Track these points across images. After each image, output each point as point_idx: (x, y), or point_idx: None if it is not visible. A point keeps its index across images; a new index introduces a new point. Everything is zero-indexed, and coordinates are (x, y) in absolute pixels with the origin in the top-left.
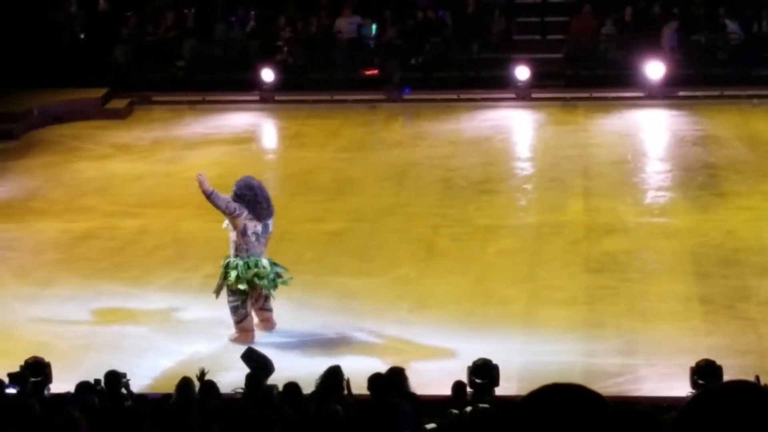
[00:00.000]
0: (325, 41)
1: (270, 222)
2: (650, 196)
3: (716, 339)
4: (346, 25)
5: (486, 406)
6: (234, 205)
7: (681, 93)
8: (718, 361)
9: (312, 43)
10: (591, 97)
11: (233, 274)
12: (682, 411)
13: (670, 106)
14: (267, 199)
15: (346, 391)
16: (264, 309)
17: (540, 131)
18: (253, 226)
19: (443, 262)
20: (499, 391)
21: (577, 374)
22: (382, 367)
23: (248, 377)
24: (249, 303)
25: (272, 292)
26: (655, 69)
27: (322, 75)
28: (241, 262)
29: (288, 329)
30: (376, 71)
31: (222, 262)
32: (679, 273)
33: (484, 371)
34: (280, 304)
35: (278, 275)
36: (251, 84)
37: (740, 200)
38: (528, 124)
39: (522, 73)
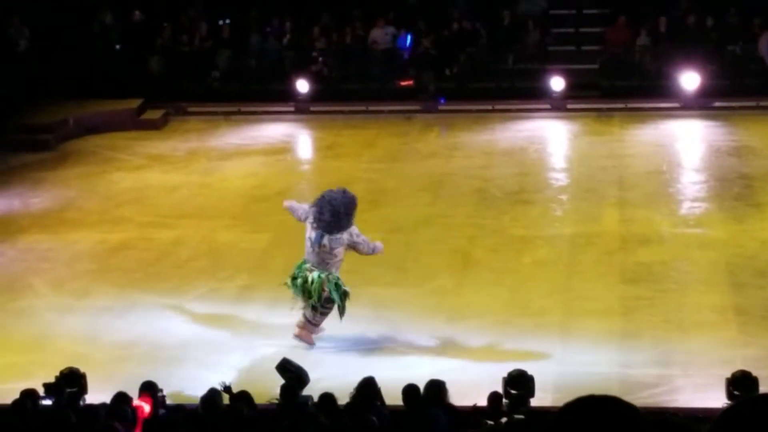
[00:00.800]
0: (359, 52)
1: (326, 234)
2: (685, 207)
3: (752, 350)
4: (380, 35)
5: (521, 417)
6: (303, 212)
7: (716, 103)
8: (755, 373)
9: (347, 54)
10: (626, 108)
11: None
12: (716, 422)
13: (706, 117)
14: (328, 211)
15: (380, 402)
16: (305, 317)
17: (575, 142)
18: (309, 231)
19: (479, 273)
20: (534, 402)
21: (613, 385)
22: (419, 378)
23: (283, 387)
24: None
25: (319, 308)
26: (690, 79)
27: (356, 85)
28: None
29: (325, 339)
30: (411, 82)
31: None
32: (715, 284)
33: (520, 382)
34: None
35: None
36: (286, 95)
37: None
38: (563, 135)
39: (557, 83)
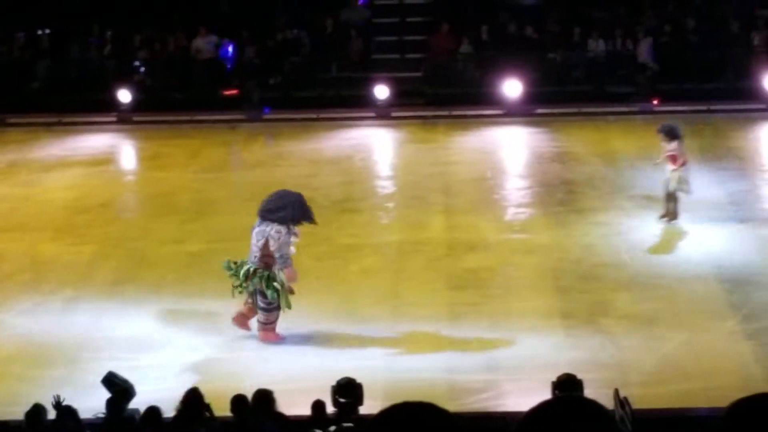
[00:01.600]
0: (182, 61)
1: (257, 227)
2: (510, 213)
3: (577, 353)
4: (203, 44)
5: (350, 425)
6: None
7: (539, 110)
8: (580, 375)
9: (169, 63)
10: (450, 116)
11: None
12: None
13: (528, 124)
14: (264, 203)
15: (208, 413)
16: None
17: (400, 150)
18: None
19: (306, 282)
20: (363, 409)
21: (441, 391)
22: (247, 388)
23: (109, 401)
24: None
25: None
26: (512, 87)
27: (180, 95)
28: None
29: (151, 351)
30: (235, 91)
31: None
32: (540, 288)
33: (348, 390)
34: (144, 328)
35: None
36: (108, 105)
37: (598, 216)
38: (388, 143)
39: (381, 92)
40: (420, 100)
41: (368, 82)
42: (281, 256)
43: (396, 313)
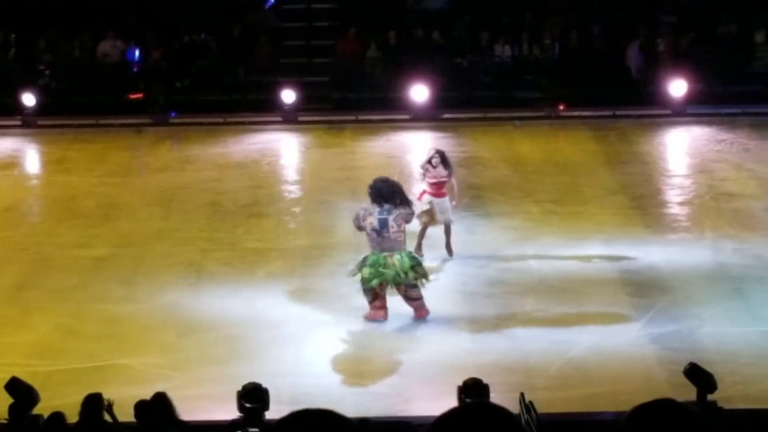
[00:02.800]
0: (88, 65)
1: (387, 216)
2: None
3: (484, 357)
4: (109, 48)
5: (256, 430)
6: (354, 218)
7: (446, 115)
8: (486, 380)
9: (75, 67)
10: (357, 120)
11: (365, 269)
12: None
13: (435, 128)
14: (378, 195)
15: (111, 419)
16: (409, 298)
17: (307, 154)
18: (370, 224)
19: (213, 287)
20: (269, 414)
21: (348, 396)
22: (150, 394)
23: (11, 407)
24: (382, 288)
25: (417, 282)
26: (419, 91)
27: (86, 99)
28: (370, 258)
29: (54, 357)
30: (141, 95)
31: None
32: (447, 293)
33: (255, 395)
34: (47, 334)
35: (412, 268)
36: (12, 109)
37: (505, 221)
38: (295, 147)
39: (288, 96)
40: (327, 105)
41: (275, 87)
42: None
43: (304, 318)
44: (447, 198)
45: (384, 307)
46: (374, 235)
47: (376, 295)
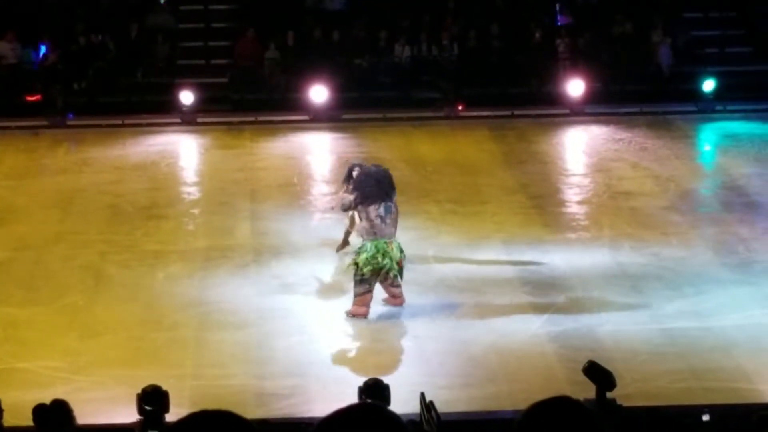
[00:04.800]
0: None
1: (391, 203)
2: (317, 219)
3: (384, 357)
4: (7, 50)
5: None
6: (349, 199)
7: (345, 116)
8: (386, 380)
9: None
10: (256, 121)
11: (363, 255)
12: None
13: (335, 129)
14: (378, 181)
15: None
16: (392, 286)
17: (206, 155)
18: (375, 211)
19: (112, 289)
20: (170, 417)
21: (249, 397)
22: (51, 398)
23: None
24: (373, 281)
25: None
26: (318, 92)
27: None
28: (370, 245)
29: None
30: (38, 97)
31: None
32: (347, 292)
33: (154, 398)
34: None
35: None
36: None
37: (404, 221)
38: (194, 149)
39: (187, 97)
40: (226, 106)
41: (174, 88)
42: None
43: (203, 320)
44: None
45: (368, 305)
46: (378, 221)
47: (368, 288)
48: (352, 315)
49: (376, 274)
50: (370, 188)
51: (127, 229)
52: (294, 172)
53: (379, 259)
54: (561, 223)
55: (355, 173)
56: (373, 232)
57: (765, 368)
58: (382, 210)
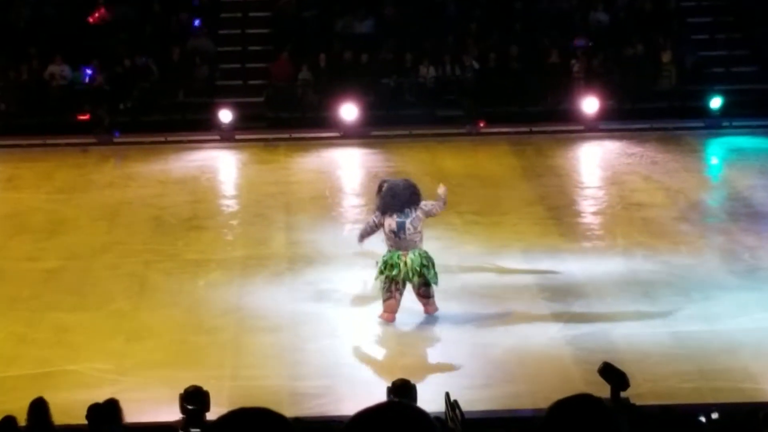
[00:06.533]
0: (36, 87)
1: (404, 220)
2: (347, 230)
3: (411, 359)
4: (57, 72)
5: (197, 430)
6: (372, 218)
7: (374, 132)
8: (413, 380)
9: (24, 90)
10: (290, 138)
11: (378, 265)
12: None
13: (364, 145)
14: (394, 195)
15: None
16: (421, 296)
17: (244, 170)
18: (389, 224)
19: (156, 296)
20: (210, 415)
21: (284, 396)
22: (101, 398)
23: None
24: (394, 288)
25: (430, 281)
26: (348, 110)
27: (34, 120)
28: (386, 255)
29: (6, 363)
30: (87, 116)
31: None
32: (375, 298)
33: (196, 397)
34: (2, 340)
35: (424, 267)
36: None
37: (429, 231)
38: (232, 164)
39: (225, 116)
40: (262, 124)
41: (213, 107)
42: (444, 201)
43: (240, 325)
44: None
45: (393, 311)
46: (391, 235)
47: (390, 295)
48: (382, 319)
49: (393, 283)
50: (386, 201)
51: (170, 240)
52: (326, 186)
53: (387, 270)
54: (577, 232)
55: (384, 187)
56: (389, 244)
57: None
58: (394, 224)
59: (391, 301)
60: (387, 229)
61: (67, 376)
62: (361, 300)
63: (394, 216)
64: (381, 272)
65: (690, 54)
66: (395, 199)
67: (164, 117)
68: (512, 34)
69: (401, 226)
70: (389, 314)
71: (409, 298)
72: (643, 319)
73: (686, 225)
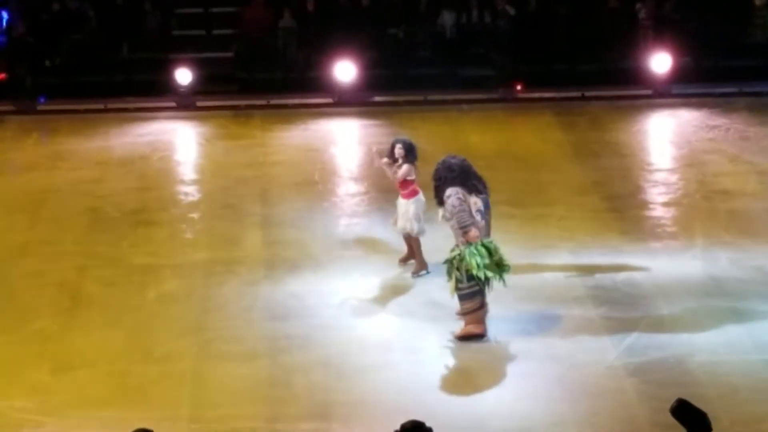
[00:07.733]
0: None
1: (486, 196)
2: (343, 225)
3: (429, 395)
4: None
5: None
6: (458, 196)
7: (377, 98)
8: (430, 421)
9: None
10: (269, 105)
11: (474, 261)
12: None
13: (364, 115)
14: (465, 170)
15: None
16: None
17: (208, 147)
18: (475, 203)
19: (92, 312)
20: None
21: None
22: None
23: None
24: (487, 292)
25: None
26: (344, 70)
27: None
28: (472, 249)
29: None
30: (2, 76)
31: (448, 257)
32: (383, 313)
33: None
34: None
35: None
36: None
37: (445, 227)
38: (193, 139)
39: (183, 76)
40: (231, 87)
41: (167, 65)
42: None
43: (203, 350)
44: (409, 201)
45: (484, 321)
46: (479, 216)
47: (482, 300)
48: (469, 335)
49: (486, 284)
50: (461, 177)
51: (111, 239)
52: (315, 168)
53: (484, 269)
54: (643, 229)
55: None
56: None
57: None
58: (480, 202)
59: (484, 310)
60: (474, 210)
61: None
62: (361, 317)
63: (473, 194)
64: (476, 270)
65: None
66: (471, 171)
67: (104, 78)
68: None
69: (486, 203)
70: (481, 325)
71: (418, 305)
72: (730, 343)
73: None
